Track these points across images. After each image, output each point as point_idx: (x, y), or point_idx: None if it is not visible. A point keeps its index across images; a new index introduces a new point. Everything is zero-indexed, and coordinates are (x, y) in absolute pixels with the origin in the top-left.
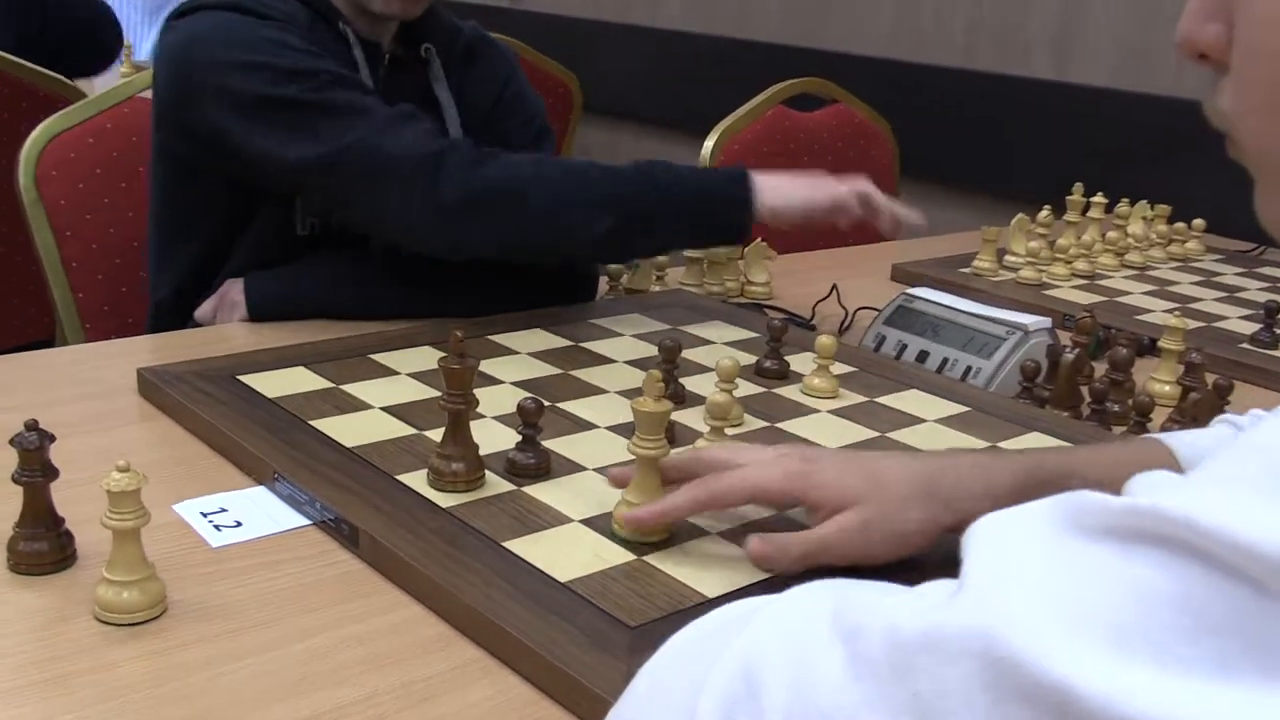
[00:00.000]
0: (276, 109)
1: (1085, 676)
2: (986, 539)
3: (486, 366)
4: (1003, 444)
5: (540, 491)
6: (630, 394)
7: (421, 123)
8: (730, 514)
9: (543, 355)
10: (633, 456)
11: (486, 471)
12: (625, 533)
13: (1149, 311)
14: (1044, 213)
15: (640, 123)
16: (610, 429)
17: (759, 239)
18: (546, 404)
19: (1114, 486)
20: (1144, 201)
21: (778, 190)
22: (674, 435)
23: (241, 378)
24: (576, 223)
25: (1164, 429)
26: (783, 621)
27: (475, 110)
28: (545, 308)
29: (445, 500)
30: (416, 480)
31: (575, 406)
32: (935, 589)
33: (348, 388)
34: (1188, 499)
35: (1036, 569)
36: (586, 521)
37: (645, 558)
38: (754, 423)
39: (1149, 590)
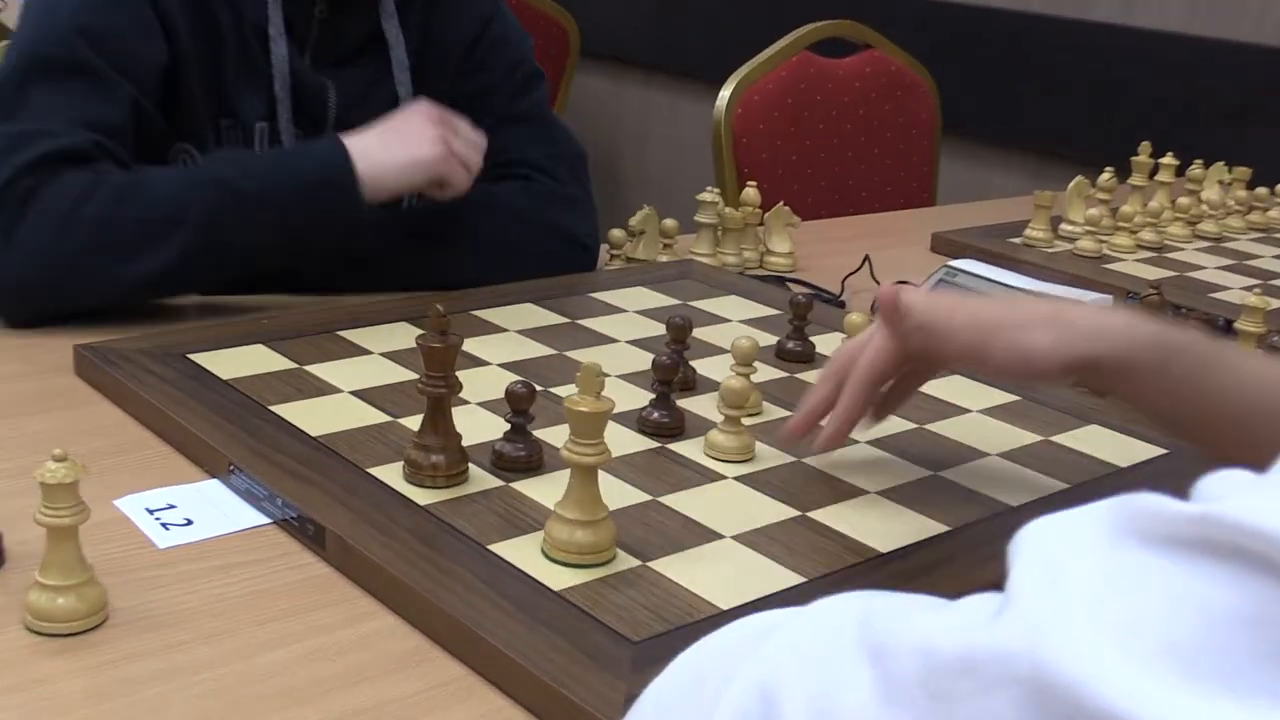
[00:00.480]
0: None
1: (1145, 707)
2: (1035, 547)
3: (471, 345)
4: (1056, 438)
5: (531, 487)
6: (635, 379)
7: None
8: (748, 515)
9: (534, 333)
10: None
11: (470, 465)
12: (560, 554)
13: (1225, 289)
14: (1106, 175)
15: (646, 70)
16: (612, 418)
17: (781, 203)
18: (539, 389)
19: (1265, 397)
20: (1220, 163)
21: (369, 155)
22: (683, 424)
23: (192, 356)
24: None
25: None
26: (805, 638)
27: (448, 54)
28: (538, 279)
29: (423, 497)
30: (391, 474)
31: (569, 393)
32: (977, 604)
33: (313, 369)
34: (1265, 506)
35: (1091, 583)
36: None
37: (650, 563)
38: (775, 411)
39: (1220, 610)
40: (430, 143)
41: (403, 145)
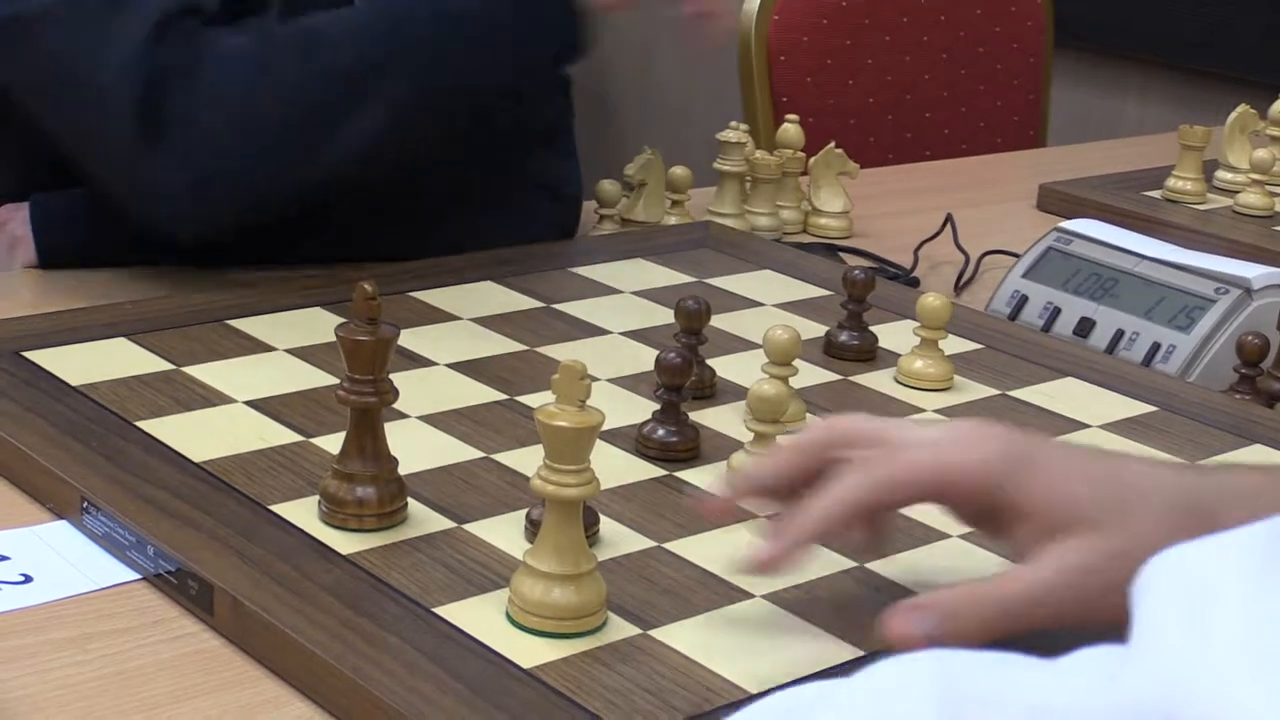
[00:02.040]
0: None
1: None
2: (1171, 581)
3: (409, 339)
4: (1207, 462)
5: (489, 529)
6: (633, 383)
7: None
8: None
9: (496, 322)
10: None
11: (410, 500)
12: (532, 620)
13: None
14: None
15: None
16: (601, 436)
17: (831, 144)
18: (502, 397)
19: None
20: None
21: None
22: (698, 444)
23: (29, 355)
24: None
25: None
26: (864, 711)
27: None
28: (501, 247)
29: (346, 543)
30: (302, 513)
31: (543, 402)
32: (1091, 656)
33: (194, 370)
34: None
35: (1244, 624)
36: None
37: (653, 632)
38: None
39: None
40: None
41: None
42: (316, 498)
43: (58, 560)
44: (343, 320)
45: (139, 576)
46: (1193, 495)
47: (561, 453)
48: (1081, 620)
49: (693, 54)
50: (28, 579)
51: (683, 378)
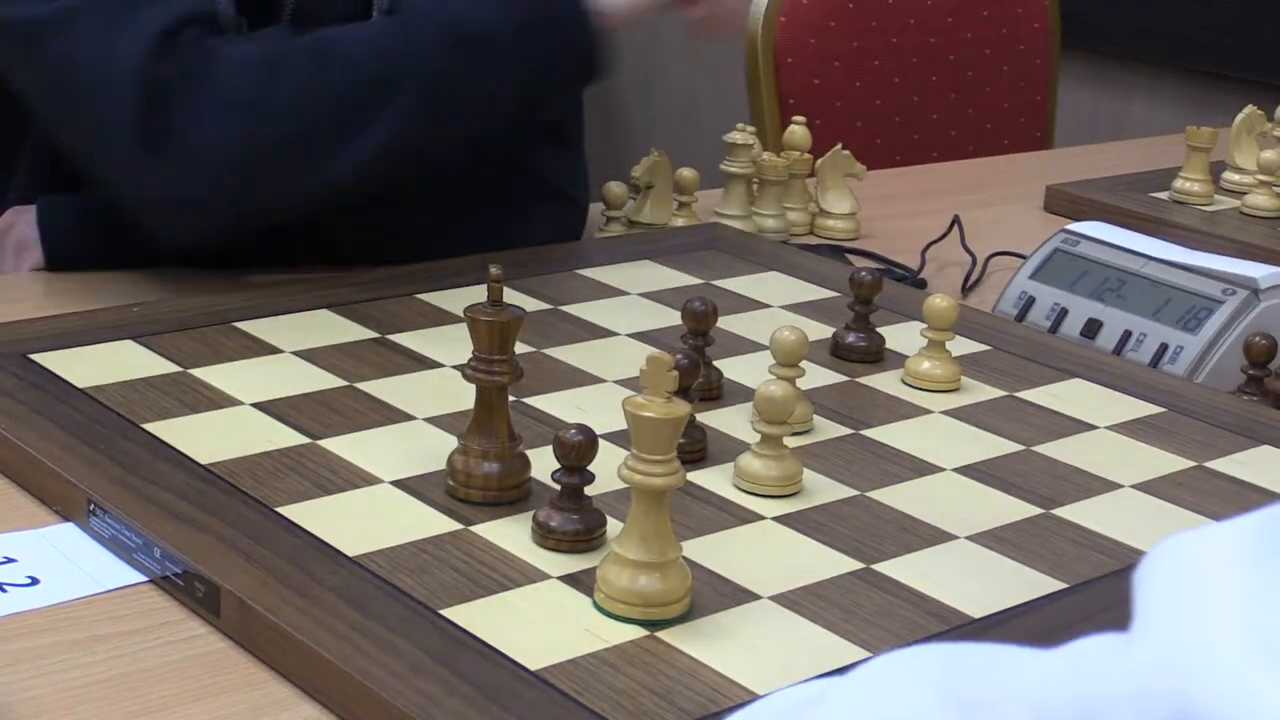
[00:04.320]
0: None
1: None
2: (1170, 567)
3: (415, 341)
4: (1214, 463)
5: (497, 531)
6: (637, 385)
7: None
8: (793, 568)
9: None
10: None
11: (417, 500)
12: (619, 608)
13: None
14: None
15: None
16: (606, 437)
17: (839, 145)
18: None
19: None
20: None
21: None
22: (705, 446)
23: (36, 358)
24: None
25: None
26: (867, 706)
27: None
28: (505, 249)
29: (353, 545)
30: (309, 514)
31: (551, 403)
32: (1091, 644)
33: (201, 372)
34: None
35: (1244, 609)
36: (570, 579)
37: (660, 634)
38: (829, 428)
39: None
40: None
41: None
42: (323, 499)
43: (64, 562)
44: (350, 322)
45: (146, 579)
46: None
47: (649, 443)
48: None
49: (695, 39)
50: (34, 581)
51: (690, 379)
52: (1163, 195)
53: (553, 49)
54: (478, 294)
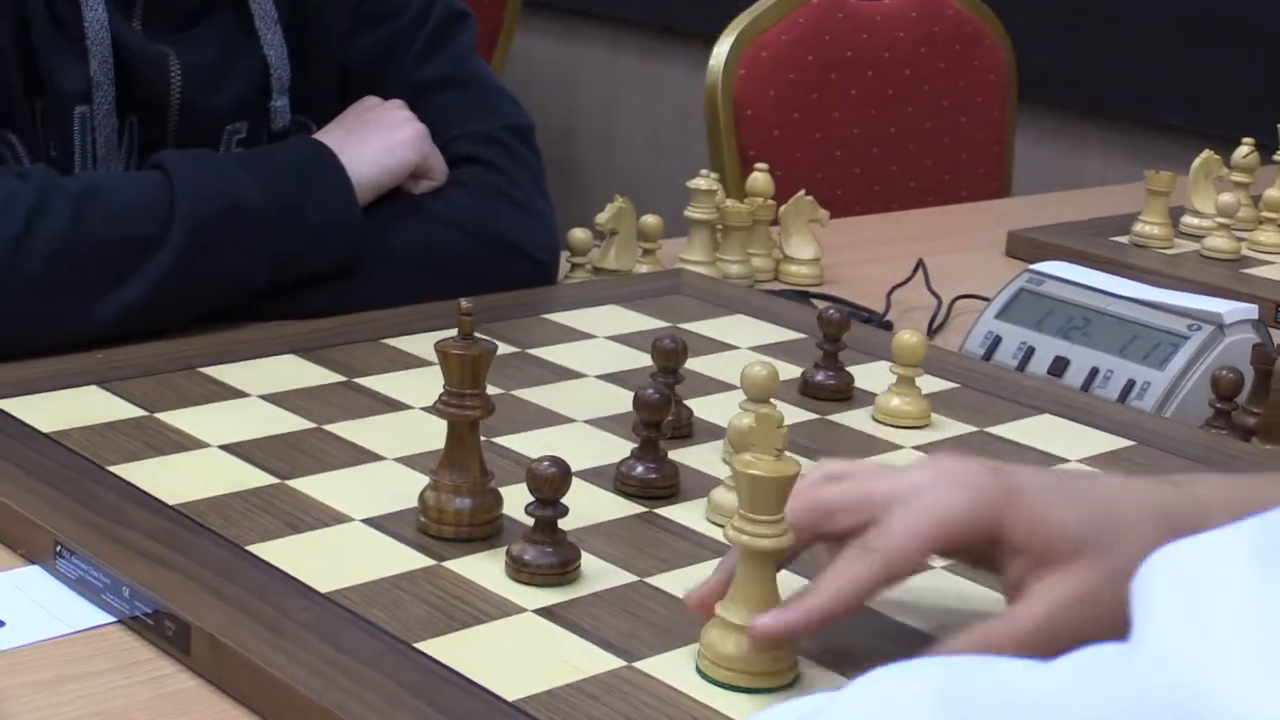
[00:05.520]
0: None
1: None
2: (1169, 576)
3: (383, 384)
4: None
5: (470, 566)
6: (610, 424)
7: None
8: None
9: None
10: (731, 547)
11: (388, 538)
12: (723, 675)
13: None
14: (1244, 150)
15: (613, 25)
16: (581, 475)
17: (802, 191)
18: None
19: None
20: None
21: (345, 151)
22: (677, 481)
23: (1, 404)
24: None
25: None
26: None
27: (332, 20)
28: (475, 296)
29: (325, 581)
30: (279, 552)
31: (522, 443)
32: (1090, 655)
33: (167, 416)
34: None
35: (1244, 614)
36: (545, 612)
37: (637, 664)
38: (801, 465)
39: None
40: (404, 122)
41: (376, 131)
42: (294, 537)
43: (31, 605)
44: (316, 366)
45: (114, 619)
46: (1173, 506)
47: (758, 502)
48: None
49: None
50: (1, 624)
51: (661, 414)
52: (1123, 239)
53: (316, 230)
54: (445, 337)
